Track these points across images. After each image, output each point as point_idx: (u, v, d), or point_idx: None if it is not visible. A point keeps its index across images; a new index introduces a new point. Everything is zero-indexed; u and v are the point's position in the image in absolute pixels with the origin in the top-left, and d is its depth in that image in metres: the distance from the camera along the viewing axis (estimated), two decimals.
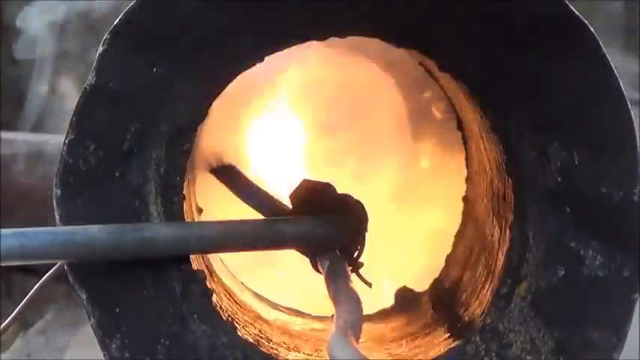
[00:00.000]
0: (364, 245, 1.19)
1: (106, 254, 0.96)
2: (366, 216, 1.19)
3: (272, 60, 1.04)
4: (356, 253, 1.19)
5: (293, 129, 1.39)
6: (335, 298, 1.04)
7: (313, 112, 1.38)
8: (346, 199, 1.20)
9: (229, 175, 1.30)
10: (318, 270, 1.17)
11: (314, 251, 1.17)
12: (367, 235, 1.19)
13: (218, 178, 1.30)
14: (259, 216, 1.24)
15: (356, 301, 1.02)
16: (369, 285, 1.20)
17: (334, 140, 1.38)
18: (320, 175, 1.26)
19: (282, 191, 1.27)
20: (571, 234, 1.02)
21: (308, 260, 1.20)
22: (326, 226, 1.14)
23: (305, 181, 1.22)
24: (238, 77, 1.03)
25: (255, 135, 1.37)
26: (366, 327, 1.04)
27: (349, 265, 1.16)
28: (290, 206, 1.22)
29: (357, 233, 1.18)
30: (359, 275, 1.19)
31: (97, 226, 0.97)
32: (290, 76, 1.34)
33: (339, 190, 1.21)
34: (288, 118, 1.38)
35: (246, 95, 1.29)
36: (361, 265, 1.19)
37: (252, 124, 1.37)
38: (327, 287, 1.07)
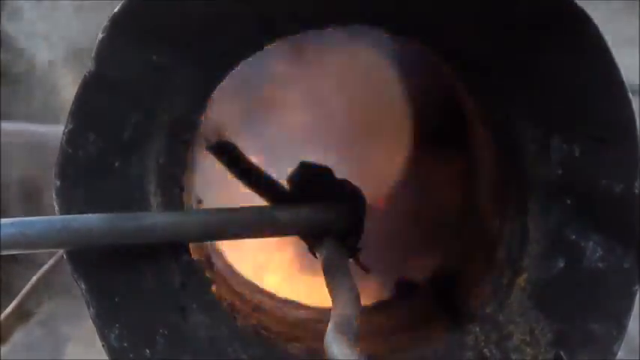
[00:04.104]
0: (362, 231, 1.19)
1: (105, 242, 0.96)
2: (365, 202, 1.19)
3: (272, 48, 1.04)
4: (354, 240, 1.19)
5: (293, 114, 1.39)
6: (332, 289, 1.04)
7: (313, 98, 1.38)
8: (344, 184, 1.20)
9: (228, 153, 1.29)
10: (316, 255, 1.17)
11: (312, 237, 1.17)
12: (365, 221, 1.19)
13: (216, 156, 1.29)
14: (259, 202, 1.24)
15: (353, 294, 1.02)
16: (367, 270, 1.20)
17: (333, 128, 1.38)
18: (319, 161, 1.26)
19: (280, 173, 1.26)
20: (571, 226, 1.02)
21: (307, 248, 1.20)
22: (324, 213, 1.14)
23: (303, 164, 1.22)
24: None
25: (255, 118, 1.37)
26: (366, 318, 1.04)
27: (347, 251, 1.16)
28: (287, 188, 1.22)
29: (355, 219, 1.18)
30: (357, 261, 1.19)
31: (96, 214, 0.97)
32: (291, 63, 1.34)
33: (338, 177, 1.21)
34: (289, 104, 1.38)
35: (247, 80, 1.28)
36: (359, 251, 1.19)
37: (252, 106, 1.37)
38: (325, 277, 1.07)
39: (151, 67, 0.99)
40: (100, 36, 0.97)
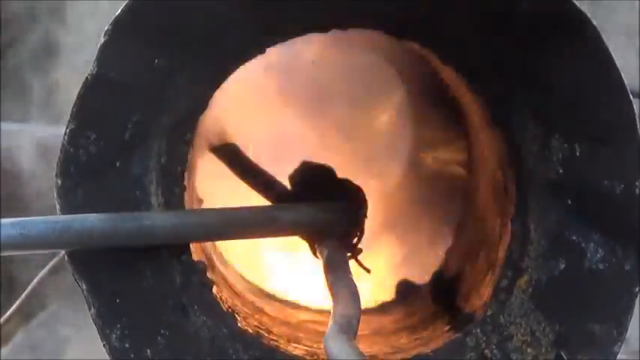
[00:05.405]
0: (363, 231, 1.19)
1: (105, 242, 0.96)
2: (366, 201, 1.19)
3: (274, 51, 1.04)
4: (355, 239, 1.19)
5: (294, 118, 1.39)
6: (332, 290, 1.04)
7: (314, 101, 1.38)
8: (346, 183, 1.20)
9: (230, 154, 1.29)
10: (316, 255, 1.17)
11: (313, 237, 1.17)
12: (366, 220, 1.19)
13: (218, 156, 1.29)
14: (260, 201, 1.24)
15: (354, 294, 1.02)
16: (368, 271, 1.20)
17: (334, 128, 1.38)
18: (320, 161, 1.26)
19: (282, 172, 1.26)
20: (572, 227, 1.02)
21: (308, 248, 1.20)
22: (325, 212, 1.14)
23: (305, 163, 1.22)
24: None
25: (257, 120, 1.37)
26: (367, 319, 1.04)
27: (348, 251, 1.16)
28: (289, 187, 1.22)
29: (356, 219, 1.18)
30: (358, 261, 1.19)
31: (96, 214, 0.97)
32: (291, 67, 1.33)
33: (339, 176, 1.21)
34: (290, 108, 1.38)
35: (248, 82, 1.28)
36: (360, 251, 1.19)
37: (254, 110, 1.37)
38: (325, 277, 1.07)
39: (153, 68, 0.99)
40: (102, 39, 0.97)
